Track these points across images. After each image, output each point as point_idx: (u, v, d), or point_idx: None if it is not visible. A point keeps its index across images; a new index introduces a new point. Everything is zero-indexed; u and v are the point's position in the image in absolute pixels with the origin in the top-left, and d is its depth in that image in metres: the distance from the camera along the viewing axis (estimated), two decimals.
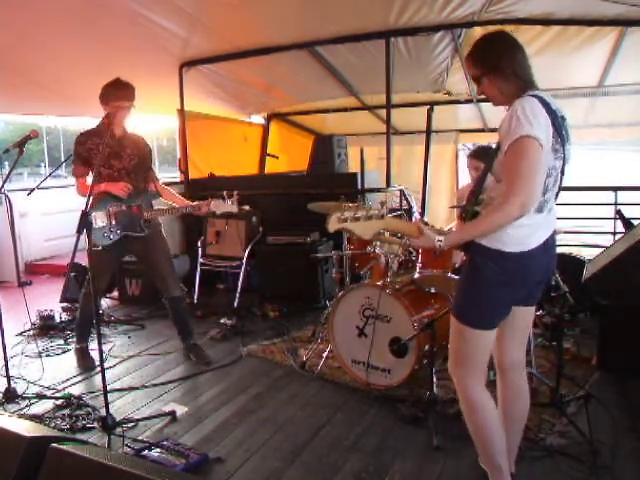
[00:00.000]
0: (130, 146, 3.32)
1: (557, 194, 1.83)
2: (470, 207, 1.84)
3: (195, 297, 4.73)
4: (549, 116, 1.67)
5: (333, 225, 1.66)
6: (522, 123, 1.62)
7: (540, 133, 1.63)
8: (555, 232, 1.87)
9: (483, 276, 1.77)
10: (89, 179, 3.27)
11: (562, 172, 1.80)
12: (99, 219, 3.23)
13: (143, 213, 3.29)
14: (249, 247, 4.75)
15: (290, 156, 7.94)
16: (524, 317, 1.94)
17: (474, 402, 1.88)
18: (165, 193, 3.48)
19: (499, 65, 1.74)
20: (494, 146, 3.12)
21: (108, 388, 2.51)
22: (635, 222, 3.69)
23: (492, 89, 1.80)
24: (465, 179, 7.26)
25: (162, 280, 3.41)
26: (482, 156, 3.14)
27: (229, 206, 3.27)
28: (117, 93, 3.15)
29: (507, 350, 1.97)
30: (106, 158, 3.21)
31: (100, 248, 3.21)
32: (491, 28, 4.05)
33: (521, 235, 1.72)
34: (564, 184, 1.86)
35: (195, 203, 3.35)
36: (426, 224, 3.59)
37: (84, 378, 3.27)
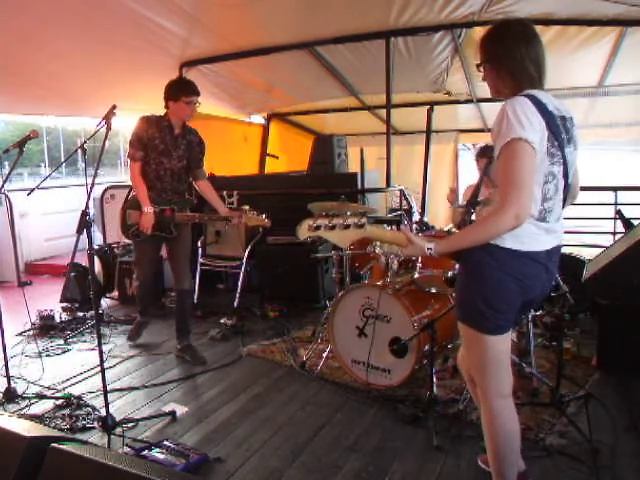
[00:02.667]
0: (183, 147, 3.36)
1: (564, 202, 1.76)
2: (468, 217, 1.78)
3: (195, 297, 4.72)
4: (543, 118, 1.59)
5: (303, 233, 1.59)
6: (513, 125, 1.56)
7: (533, 136, 1.56)
8: (560, 247, 1.78)
9: (485, 274, 1.69)
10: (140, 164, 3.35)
11: (566, 178, 1.71)
12: (132, 218, 3.40)
13: (175, 216, 3.36)
14: (249, 247, 4.75)
15: (290, 156, 7.93)
16: None
17: (497, 412, 1.77)
18: (208, 193, 3.53)
19: (500, 57, 1.71)
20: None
21: (108, 388, 2.51)
22: (635, 222, 3.69)
23: (489, 79, 1.78)
24: (466, 179, 7.27)
25: (176, 272, 3.53)
26: (489, 155, 3.14)
27: (262, 220, 3.35)
28: (188, 88, 3.21)
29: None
30: (158, 154, 3.28)
31: (140, 239, 3.42)
32: None
33: (519, 233, 1.62)
34: None
35: (228, 213, 3.40)
36: (426, 225, 3.58)
37: (84, 378, 3.27)
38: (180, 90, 3.22)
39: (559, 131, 1.64)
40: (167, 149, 3.30)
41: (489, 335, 1.72)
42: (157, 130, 3.28)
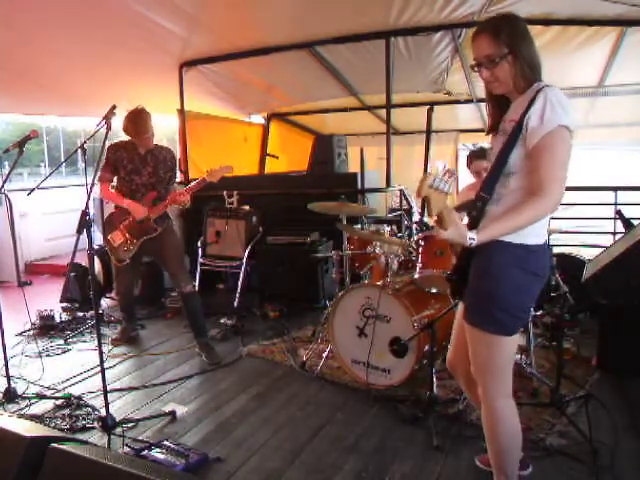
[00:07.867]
0: (152, 164, 3.52)
1: None
2: (481, 204, 1.70)
3: None
4: None
5: (424, 190, 1.48)
6: (558, 112, 1.53)
7: (573, 124, 1.57)
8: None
9: (513, 277, 1.65)
10: (111, 184, 3.58)
11: None
12: (116, 239, 3.57)
13: (150, 213, 3.47)
14: (249, 247, 4.75)
15: (290, 156, 7.93)
16: None
17: (500, 411, 1.77)
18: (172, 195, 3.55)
19: (520, 49, 1.63)
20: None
21: (108, 388, 2.52)
22: (635, 222, 3.68)
23: (508, 73, 1.65)
24: (465, 179, 7.26)
25: (172, 276, 3.62)
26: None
27: (224, 169, 3.51)
28: (139, 129, 3.37)
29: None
30: (128, 172, 3.50)
31: (127, 262, 3.57)
32: None
33: (538, 226, 1.63)
34: None
35: (188, 187, 3.49)
36: (426, 225, 3.57)
37: (84, 378, 3.27)
38: (136, 132, 3.38)
39: None
40: (136, 167, 3.50)
41: (508, 337, 1.70)
42: (124, 151, 3.50)
